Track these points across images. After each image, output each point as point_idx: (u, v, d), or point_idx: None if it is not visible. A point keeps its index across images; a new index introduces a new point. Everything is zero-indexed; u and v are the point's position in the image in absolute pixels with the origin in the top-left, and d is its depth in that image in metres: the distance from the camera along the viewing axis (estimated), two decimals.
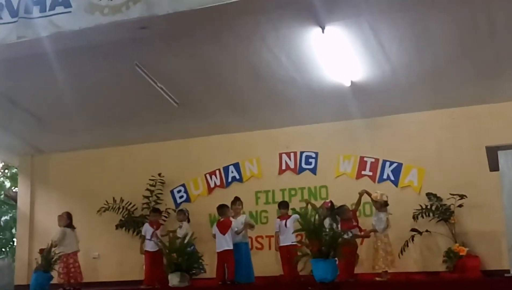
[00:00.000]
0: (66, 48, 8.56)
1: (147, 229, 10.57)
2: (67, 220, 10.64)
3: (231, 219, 9.66)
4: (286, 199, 11.03)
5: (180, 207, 11.38)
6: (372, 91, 9.87)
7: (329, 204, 9.64)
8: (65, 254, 10.21)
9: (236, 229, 9.57)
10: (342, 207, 9.47)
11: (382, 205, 9.07)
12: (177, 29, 8.44)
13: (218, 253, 9.56)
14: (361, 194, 9.43)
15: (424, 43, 8.83)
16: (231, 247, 9.45)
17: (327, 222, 8.71)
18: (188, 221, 10.73)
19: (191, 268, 8.65)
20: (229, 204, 9.99)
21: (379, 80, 9.63)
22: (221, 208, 9.91)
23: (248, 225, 9.85)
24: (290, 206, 10.59)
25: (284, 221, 9.92)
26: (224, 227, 9.55)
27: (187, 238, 9.08)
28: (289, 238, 9.42)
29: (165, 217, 11.53)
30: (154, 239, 10.31)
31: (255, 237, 10.89)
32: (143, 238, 10.56)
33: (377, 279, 8.57)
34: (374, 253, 8.94)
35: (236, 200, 9.98)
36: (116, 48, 8.92)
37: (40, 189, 13.13)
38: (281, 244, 9.90)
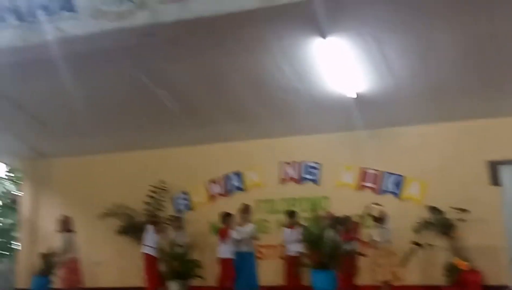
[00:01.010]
0: (71, 53, 8.60)
1: (152, 237, 10.51)
2: (68, 225, 10.62)
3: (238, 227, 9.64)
4: (287, 208, 11.01)
5: (177, 215, 11.33)
6: (375, 103, 9.88)
7: (332, 215, 9.61)
8: (69, 258, 10.21)
9: (237, 238, 9.54)
10: (347, 217, 9.45)
11: (380, 219, 9.06)
12: (182, 37, 8.47)
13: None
14: (368, 209, 9.36)
15: (428, 56, 8.84)
16: (227, 256, 9.49)
17: (329, 232, 8.69)
18: (180, 228, 10.68)
19: (191, 276, 8.62)
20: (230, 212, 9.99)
21: (382, 92, 9.64)
22: (226, 216, 9.94)
23: (252, 237, 9.78)
24: None
25: (293, 230, 9.84)
26: (223, 235, 9.59)
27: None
28: (295, 248, 9.37)
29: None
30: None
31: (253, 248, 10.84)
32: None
33: None
34: (375, 265, 8.89)
35: (246, 208, 9.94)
36: (121, 54, 8.95)
37: (43, 193, 13.19)
38: (287, 253, 9.83)
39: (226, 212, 10.05)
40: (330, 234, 8.52)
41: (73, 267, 10.28)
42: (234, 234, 9.57)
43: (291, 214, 10.24)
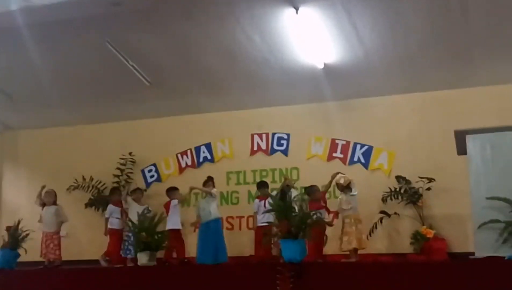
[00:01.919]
0: (37, 23, 8.45)
1: (112, 210, 10.49)
2: (54, 197, 10.50)
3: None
4: (258, 180, 11.06)
5: (137, 187, 11.27)
6: (345, 74, 9.91)
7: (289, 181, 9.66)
8: (49, 232, 10.13)
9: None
10: (312, 187, 9.46)
11: (346, 187, 9.09)
12: (150, 6, 8.35)
13: None
14: (333, 177, 9.41)
15: (397, 27, 8.87)
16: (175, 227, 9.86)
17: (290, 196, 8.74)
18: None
19: (159, 247, 8.60)
20: (201, 184, 9.98)
21: (352, 62, 9.66)
22: (171, 190, 10.32)
23: (206, 191, 9.77)
24: None
25: (263, 201, 9.74)
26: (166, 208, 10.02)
27: (157, 217, 9.01)
28: (266, 219, 9.28)
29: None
30: (124, 217, 10.25)
31: (225, 217, 10.86)
32: (106, 219, 10.48)
33: (343, 260, 8.63)
34: (341, 234, 8.96)
35: (209, 180, 9.93)
36: (88, 24, 8.81)
37: (8, 166, 12.97)
38: (258, 224, 9.80)
39: (171, 186, 10.43)
40: (298, 203, 8.58)
41: (55, 241, 10.18)
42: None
43: (263, 184, 10.25)
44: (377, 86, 10.42)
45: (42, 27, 8.61)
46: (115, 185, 11.55)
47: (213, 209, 9.66)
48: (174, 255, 10.07)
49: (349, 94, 10.65)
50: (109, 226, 10.41)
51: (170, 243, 9.38)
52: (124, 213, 10.42)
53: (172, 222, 10.00)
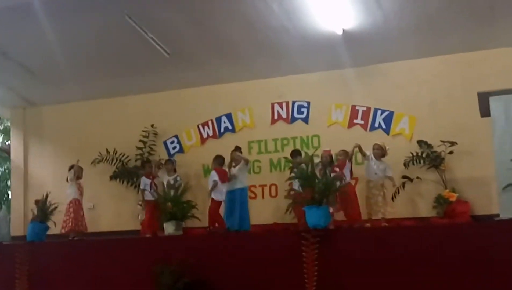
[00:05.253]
0: None
1: (145, 182, 10.61)
2: (80, 173, 10.69)
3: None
4: (279, 148, 11.14)
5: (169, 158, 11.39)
6: (364, 39, 9.83)
7: (330, 152, 9.66)
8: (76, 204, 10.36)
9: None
10: (342, 152, 9.54)
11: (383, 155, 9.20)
12: None
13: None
14: (354, 147, 9.42)
15: None
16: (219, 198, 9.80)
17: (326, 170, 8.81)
18: (175, 171, 10.77)
19: (186, 216, 8.74)
20: (223, 154, 10.06)
21: (371, 27, 9.57)
22: (219, 158, 10.10)
23: (242, 161, 9.67)
24: (283, 155, 10.70)
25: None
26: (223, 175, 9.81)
27: (181, 187, 9.13)
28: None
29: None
30: (154, 189, 10.36)
31: (248, 186, 10.96)
32: (142, 191, 10.58)
33: (367, 224, 8.73)
34: (370, 201, 9.02)
35: (236, 149, 9.92)
36: None
37: (33, 142, 13.16)
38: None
39: (218, 154, 10.20)
40: (323, 170, 8.64)
41: (79, 213, 10.38)
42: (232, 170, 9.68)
43: (296, 152, 10.18)
44: (396, 51, 10.33)
45: (62, 2, 8.68)
46: (139, 157, 11.70)
47: (244, 178, 9.73)
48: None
49: (368, 59, 10.58)
50: (145, 198, 10.53)
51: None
52: (154, 184, 10.50)
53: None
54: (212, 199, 9.88)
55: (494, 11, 9.07)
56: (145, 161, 11.26)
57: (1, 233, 9.79)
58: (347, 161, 9.34)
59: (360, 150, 9.35)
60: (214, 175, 9.98)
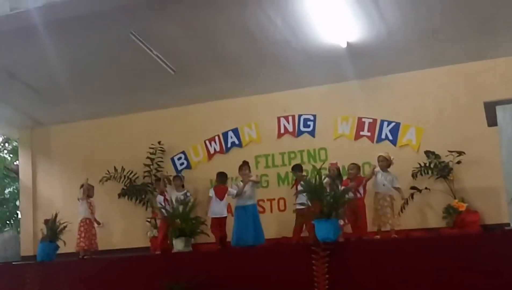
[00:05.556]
0: (61, 18, 8.54)
1: (160, 199, 10.62)
2: (91, 191, 10.73)
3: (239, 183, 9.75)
4: (286, 162, 11.16)
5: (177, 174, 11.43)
6: (369, 51, 9.85)
7: (337, 165, 9.65)
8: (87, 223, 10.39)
9: (233, 193, 9.68)
10: (351, 166, 9.54)
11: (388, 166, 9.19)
12: None
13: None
14: (373, 168, 9.38)
15: (419, 0, 8.78)
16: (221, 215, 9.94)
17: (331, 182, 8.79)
18: (183, 187, 10.79)
19: (195, 233, 8.73)
20: (230, 169, 10.10)
21: (375, 40, 9.61)
22: (220, 175, 10.22)
23: (251, 182, 9.65)
24: (290, 169, 10.69)
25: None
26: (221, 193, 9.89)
27: (190, 204, 9.14)
28: (301, 200, 9.20)
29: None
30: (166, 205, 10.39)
31: (256, 201, 10.95)
32: (159, 209, 10.48)
33: (377, 236, 8.70)
34: (379, 213, 8.99)
35: (244, 164, 9.85)
36: (111, 17, 8.88)
37: (41, 161, 13.23)
38: (297, 207, 9.72)
39: (220, 171, 10.33)
40: (331, 183, 8.62)
41: (91, 232, 10.41)
42: (231, 191, 9.76)
43: (297, 167, 10.24)
44: (401, 62, 10.35)
45: (65, 22, 8.72)
46: (146, 174, 11.73)
47: (255, 194, 9.77)
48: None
49: (373, 71, 10.61)
50: (160, 215, 10.52)
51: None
52: (166, 201, 10.52)
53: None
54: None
55: (496, 20, 9.09)
56: (158, 178, 11.26)
57: (11, 253, 9.80)
58: (364, 180, 9.32)
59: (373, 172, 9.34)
60: (211, 192, 10.12)
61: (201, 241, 9.81)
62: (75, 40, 9.56)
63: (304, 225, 9.36)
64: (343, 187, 8.77)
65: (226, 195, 10.00)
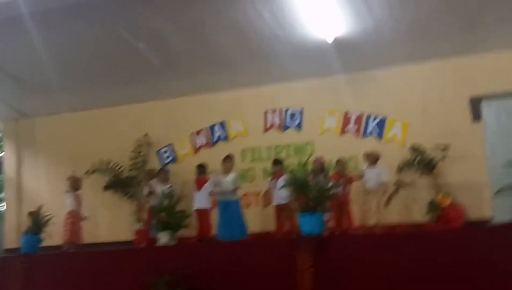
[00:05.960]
0: (47, 8, 8.47)
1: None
2: (79, 184, 10.70)
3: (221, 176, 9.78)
4: (272, 156, 11.13)
5: (160, 168, 11.44)
6: (356, 46, 9.86)
7: (322, 159, 9.68)
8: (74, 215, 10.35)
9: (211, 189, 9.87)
10: (338, 161, 9.57)
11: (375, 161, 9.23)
12: None
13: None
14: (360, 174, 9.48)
15: None
16: (204, 206, 10.05)
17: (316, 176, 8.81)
18: (168, 181, 10.81)
19: (180, 227, 8.70)
20: (216, 162, 10.07)
21: (362, 34, 9.61)
22: (200, 167, 10.39)
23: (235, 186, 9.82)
24: None
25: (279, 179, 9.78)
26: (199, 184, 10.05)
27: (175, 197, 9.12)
28: (282, 196, 9.34)
29: None
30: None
31: (242, 194, 10.93)
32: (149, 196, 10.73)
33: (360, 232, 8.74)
34: (364, 208, 9.03)
35: (227, 157, 9.98)
36: (98, 8, 8.81)
37: (26, 153, 13.13)
38: (275, 203, 9.86)
39: (200, 163, 10.47)
40: (317, 178, 8.64)
41: (76, 224, 10.37)
42: (209, 186, 9.93)
43: (277, 162, 10.30)
44: (388, 57, 10.36)
45: (50, 13, 8.65)
46: (132, 167, 11.68)
47: (237, 190, 9.87)
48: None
49: (360, 66, 10.61)
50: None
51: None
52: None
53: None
54: None
55: (483, 15, 9.11)
56: (150, 170, 11.31)
57: None
58: (354, 180, 9.41)
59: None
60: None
61: (187, 235, 9.77)
62: (62, 31, 9.49)
63: (287, 220, 9.38)
64: (332, 182, 8.79)
65: (205, 185, 10.14)
